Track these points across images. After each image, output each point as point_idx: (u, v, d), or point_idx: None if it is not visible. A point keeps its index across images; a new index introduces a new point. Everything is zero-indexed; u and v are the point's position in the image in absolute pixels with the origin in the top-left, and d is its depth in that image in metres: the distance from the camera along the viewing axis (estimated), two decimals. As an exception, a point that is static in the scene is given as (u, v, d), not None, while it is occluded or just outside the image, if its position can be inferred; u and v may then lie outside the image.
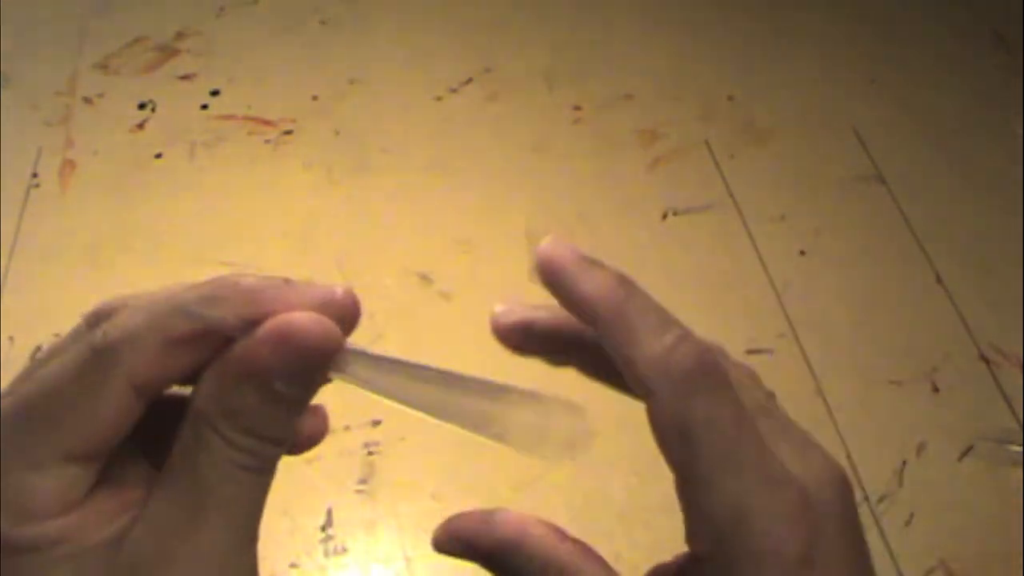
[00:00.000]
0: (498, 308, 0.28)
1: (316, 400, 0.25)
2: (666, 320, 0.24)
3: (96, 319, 0.23)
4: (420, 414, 0.26)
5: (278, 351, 0.22)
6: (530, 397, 0.26)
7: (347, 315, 0.24)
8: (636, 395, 0.25)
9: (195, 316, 0.22)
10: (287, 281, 0.24)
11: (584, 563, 0.25)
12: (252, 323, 0.22)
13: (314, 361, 0.23)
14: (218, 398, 0.22)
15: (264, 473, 0.23)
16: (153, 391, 0.22)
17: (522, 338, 0.28)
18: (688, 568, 0.24)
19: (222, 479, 0.22)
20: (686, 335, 0.24)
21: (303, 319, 0.22)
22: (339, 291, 0.24)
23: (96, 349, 0.22)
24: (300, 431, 0.25)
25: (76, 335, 0.23)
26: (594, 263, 0.25)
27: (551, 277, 0.25)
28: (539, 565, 0.25)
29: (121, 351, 0.22)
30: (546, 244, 0.26)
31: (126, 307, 0.23)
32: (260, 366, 0.22)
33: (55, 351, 0.23)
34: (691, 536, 0.23)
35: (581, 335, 0.27)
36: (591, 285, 0.25)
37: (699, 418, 0.23)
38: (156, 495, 0.22)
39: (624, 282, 0.25)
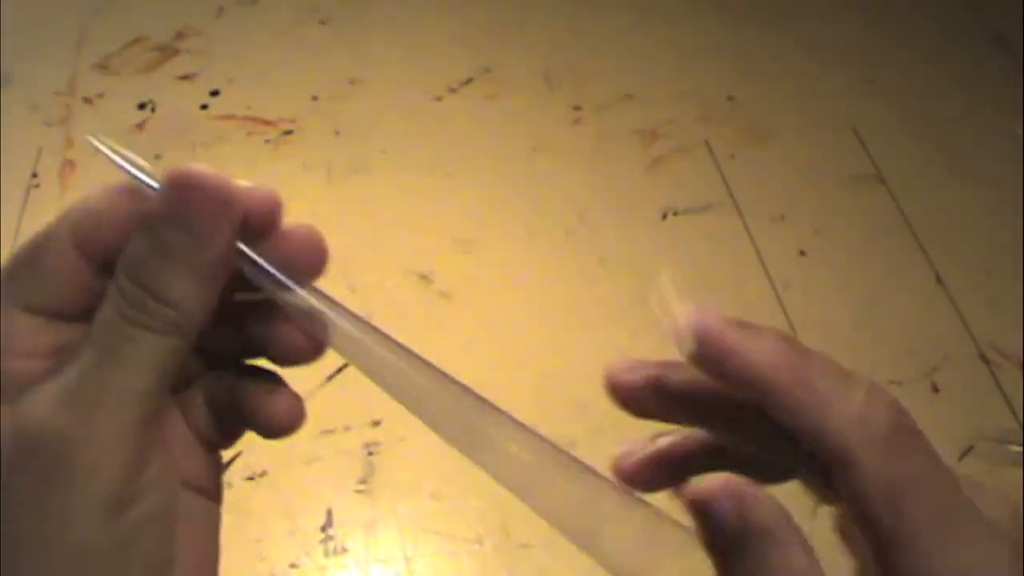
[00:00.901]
0: (617, 367, 0.25)
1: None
2: (847, 375, 0.22)
3: None
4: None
5: (165, 197, 0.22)
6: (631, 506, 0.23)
7: (261, 205, 0.24)
8: (792, 467, 0.23)
9: (136, 189, 0.23)
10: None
11: None
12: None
13: (199, 207, 0.22)
14: (122, 250, 0.22)
15: (159, 335, 0.22)
16: (96, 252, 0.23)
17: (652, 400, 0.25)
18: None
19: (107, 329, 0.22)
20: (874, 388, 0.22)
21: (197, 167, 0.22)
22: (262, 189, 0.24)
23: (57, 217, 0.23)
24: (274, 411, 0.25)
25: None
26: (750, 326, 0.23)
27: (708, 351, 0.23)
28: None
29: (70, 213, 0.23)
30: (694, 314, 0.24)
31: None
32: (149, 212, 0.22)
33: None
34: None
35: (719, 397, 0.24)
36: (759, 354, 0.23)
37: (911, 479, 0.21)
38: (68, 358, 0.22)
39: (792, 342, 0.23)
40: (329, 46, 1.33)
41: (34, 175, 1.15)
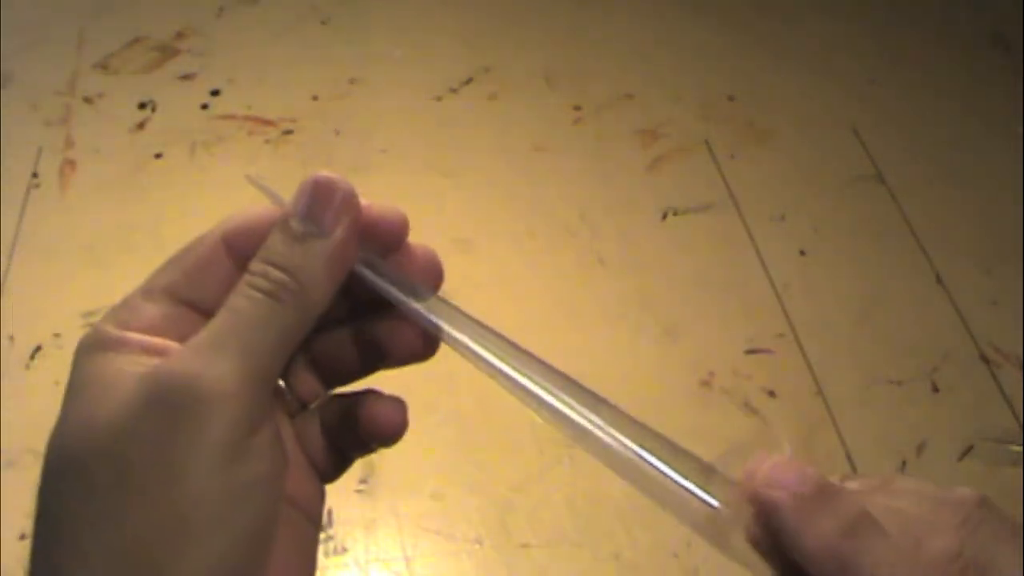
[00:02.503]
0: None
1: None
2: (899, 567, 0.23)
3: None
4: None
5: (297, 197, 0.26)
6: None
7: (390, 223, 0.27)
8: None
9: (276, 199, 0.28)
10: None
11: None
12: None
13: (326, 201, 0.26)
14: (254, 247, 0.26)
15: (282, 304, 0.25)
16: (241, 249, 0.26)
17: None
18: None
19: (240, 298, 0.25)
20: None
21: (326, 172, 0.26)
22: (392, 208, 0.28)
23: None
24: (381, 411, 0.28)
25: None
26: (825, 499, 0.23)
27: (770, 526, 0.24)
28: None
29: (226, 218, 0.27)
30: (766, 471, 0.24)
31: None
32: (286, 210, 0.26)
33: None
34: None
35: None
36: (814, 539, 0.23)
37: None
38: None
39: (856, 526, 0.23)
40: (329, 46, 1.33)
41: (34, 175, 1.15)
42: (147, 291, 0.26)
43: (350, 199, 0.26)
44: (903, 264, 1.11)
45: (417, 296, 0.28)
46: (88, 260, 1.06)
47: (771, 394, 0.97)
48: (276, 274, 0.25)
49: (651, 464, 0.26)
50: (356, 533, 0.87)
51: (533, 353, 0.28)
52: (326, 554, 0.85)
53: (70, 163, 1.17)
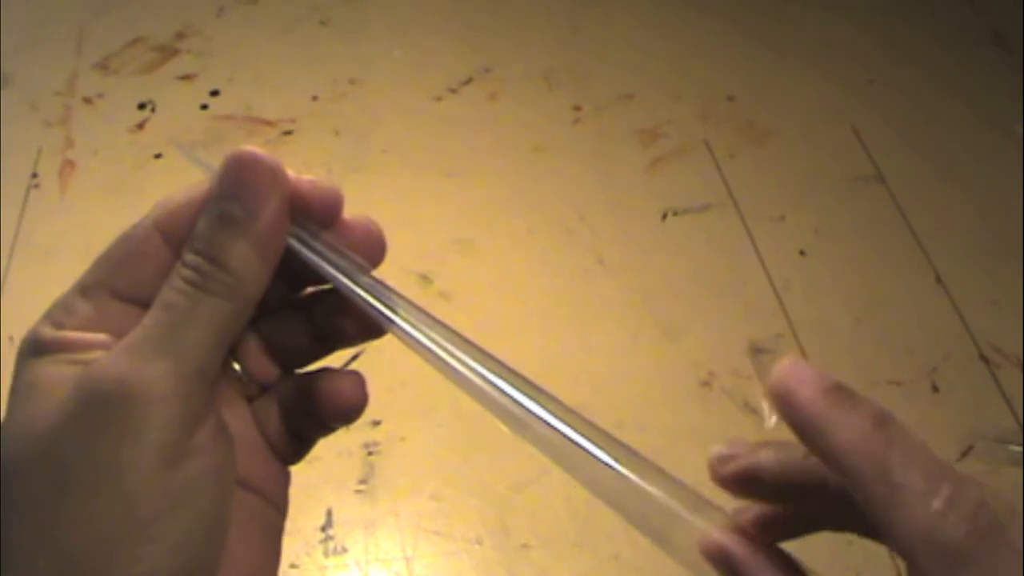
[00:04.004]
0: (716, 452, 0.25)
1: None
2: (934, 474, 0.21)
3: None
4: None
5: (221, 176, 0.25)
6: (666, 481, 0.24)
7: (322, 197, 0.26)
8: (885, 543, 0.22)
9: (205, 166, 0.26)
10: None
11: None
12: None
13: (250, 181, 0.24)
14: (188, 231, 0.25)
15: (217, 297, 0.24)
16: (175, 234, 0.25)
17: (746, 486, 0.25)
18: None
19: (172, 292, 0.24)
20: (958, 493, 0.21)
21: (249, 148, 0.25)
22: (323, 182, 0.26)
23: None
24: (338, 387, 0.28)
25: None
26: (844, 397, 0.22)
27: (794, 422, 0.22)
28: None
29: (156, 204, 0.26)
30: (783, 371, 0.23)
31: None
32: (211, 192, 0.25)
33: None
34: None
35: (817, 480, 0.24)
36: (845, 431, 0.22)
37: None
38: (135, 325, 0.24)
39: (883, 423, 0.22)
40: (329, 46, 1.33)
41: (34, 175, 1.15)
42: (82, 288, 0.25)
43: (276, 176, 0.25)
44: (903, 264, 1.10)
45: (350, 273, 0.27)
46: (88, 260, 1.05)
47: (771, 394, 0.97)
48: (205, 265, 0.24)
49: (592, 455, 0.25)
50: (356, 533, 0.87)
51: (468, 339, 0.27)
52: (326, 554, 0.85)
53: (70, 163, 1.17)
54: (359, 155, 1.19)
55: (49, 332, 0.24)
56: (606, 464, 0.25)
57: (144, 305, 0.25)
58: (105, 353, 0.24)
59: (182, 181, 0.26)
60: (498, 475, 0.90)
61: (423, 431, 0.93)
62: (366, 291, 0.27)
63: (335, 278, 0.27)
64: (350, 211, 0.28)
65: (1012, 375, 1.00)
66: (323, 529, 0.87)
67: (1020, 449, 0.94)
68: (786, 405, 0.22)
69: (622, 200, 1.15)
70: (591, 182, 1.17)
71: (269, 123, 1.22)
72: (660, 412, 0.95)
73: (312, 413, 0.28)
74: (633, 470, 0.25)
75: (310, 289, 0.29)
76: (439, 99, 1.27)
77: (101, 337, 0.24)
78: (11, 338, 0.99)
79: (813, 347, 1.01)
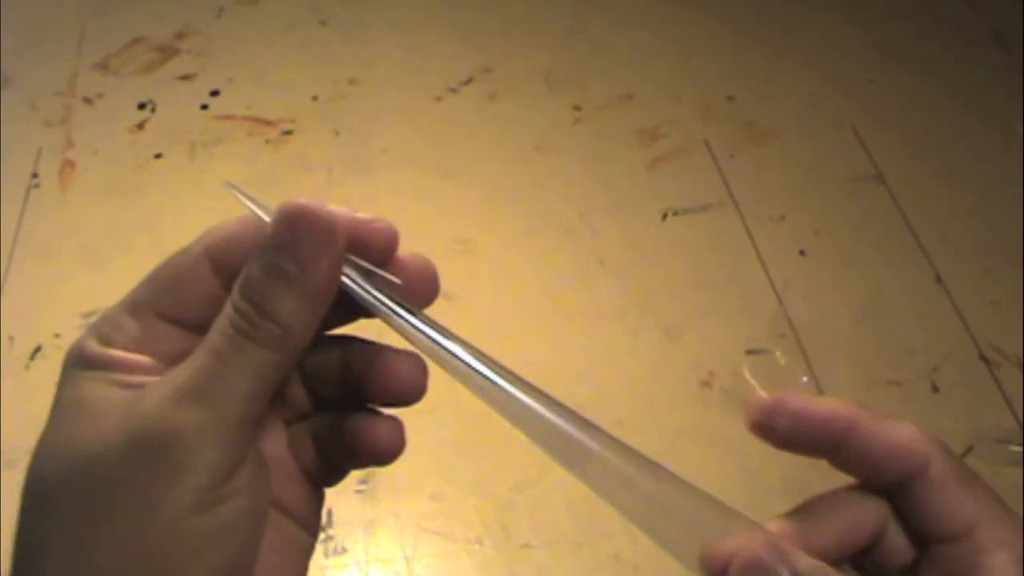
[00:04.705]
0: (748, 411, 0.29)
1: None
2: (894, 417, 0.27)
3: None
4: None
5: (277, 227, 0.24)
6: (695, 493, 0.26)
7: (378, 237, 0.27)
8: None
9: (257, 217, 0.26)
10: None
11: None
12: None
13: (305, 237, 0.24)
14: (238, 274, 0.25)
15: (263, 348, 0.24)
16: (225, 266, 0.26)
17: (771, 438, 0.29)
18: None
19: (221, 338, 0.24)
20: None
21: (306, 202, 0.25)
22: (380, 222, 0.27)
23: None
24: (375, 434, 0.27)
25: None
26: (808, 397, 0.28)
27: (779, 424, 0.28)
28: None
29: (208, 230, 0.26)
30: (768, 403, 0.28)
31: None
32: (263, 242, 0.25)
33: None
34: None
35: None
36: (826, 406, 0.27)
37: (971, 475, 0.26)
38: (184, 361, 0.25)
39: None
40: (329, 46, 1.33)
41: (34, 175, 1.15)
42: (130, 306, 0.26)
43: (332, 233, 0.25)
44: (903, 264, 1.10)
45: (400, 312, 0.27)
46: (88, 260, 1.06)
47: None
48: (256, 317, 0.24)
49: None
50: (356, 533, 0.87)
51: (521, 377, 0.27)
52: (326, 554, 0.85)
53: (70, 163, 1.17)
54: (359, 155, 1.19)
55: (97, 348, 0.25)
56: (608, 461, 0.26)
57: (188, 328, 0.26)
58: (151, 381, 0.24)
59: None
60: (498, 475, 0.90)
61: (423, 431, 0.92)
62: (421, 325, 0.27)
63: (388, 316, 0.27)
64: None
65: (1012, 375, 1.00)
66: (323, 529, 0.87)
67: (1020, 449, 0.94)
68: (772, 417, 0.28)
69: (622, 200, 1.15)
70: (591, 182, 1.17)
71: (269, 123, 1.22)
72: (660, 412, 0.95)
73: (346, 449, 0.28)
74: (641, 469, 0.26)
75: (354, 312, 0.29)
76: (439, 99, 1.27)
77: (146, 360, 0.25)
78: (11, 338, 0.99)
79: (813, 347, 1.01)
